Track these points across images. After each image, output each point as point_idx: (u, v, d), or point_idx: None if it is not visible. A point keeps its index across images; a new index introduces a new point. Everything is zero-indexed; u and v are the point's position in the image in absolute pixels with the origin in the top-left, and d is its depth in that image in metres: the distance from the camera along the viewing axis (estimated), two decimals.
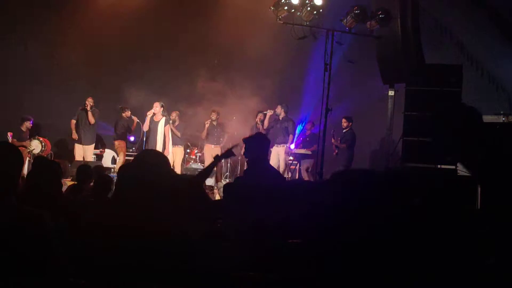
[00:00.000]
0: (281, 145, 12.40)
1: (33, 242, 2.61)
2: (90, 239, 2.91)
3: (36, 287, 2.53)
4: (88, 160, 12.59)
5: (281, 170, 12.05)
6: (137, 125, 13.39)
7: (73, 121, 12.91)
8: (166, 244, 2.74)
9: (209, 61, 14.72)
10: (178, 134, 13.06)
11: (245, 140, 6.04)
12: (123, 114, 13.36)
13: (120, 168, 3.60)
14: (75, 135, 12.84)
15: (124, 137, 13.38)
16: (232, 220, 4.11)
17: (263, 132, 12.42)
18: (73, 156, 12.91)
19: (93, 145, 13.18)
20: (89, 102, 12.83)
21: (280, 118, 12.53)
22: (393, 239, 2.34)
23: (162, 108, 12.66)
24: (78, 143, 12.88)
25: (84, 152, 12.81)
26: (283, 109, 12.49)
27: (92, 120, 12.81)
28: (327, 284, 2.43)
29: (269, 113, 12.55)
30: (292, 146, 12.79)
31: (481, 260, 2.74)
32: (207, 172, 5.63)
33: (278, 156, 12.30)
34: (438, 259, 2.56)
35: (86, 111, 12.78)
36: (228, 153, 5.71)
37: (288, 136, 12.42)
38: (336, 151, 12.34)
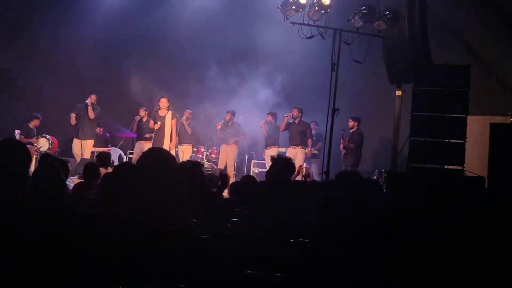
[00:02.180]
0: (297, 147, 12.60)
1: (38, 239, 2.61)
2: (96, 237, 2.92)
3: (41, 285, 2.54)
4: (86, 156, 12.59)
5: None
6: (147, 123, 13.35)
7: (73, 115, 12.83)
8: (173, 243, 2.74)
9: (218, 59, 14.72)
10: (189, 131, 13.14)
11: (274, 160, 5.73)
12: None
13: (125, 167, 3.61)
14: (73, 120, 12.78)
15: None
16: (240, 219, 4.11)
17: (266, 135, 12.90)
18: (72, 151, 12.90)
19: (92, 140, 13.08)
20: (91, 98, 12.81)
21: (296, 122, 12.68)
22: (397, 239, 2.34)
23: (168, 103, 12.73)
24: (76, 138, 12.87)
25: (83, 148, 12.79)
26: (300, 113, 12.65)
27: (92, 115, 12.76)
28: (332, 285, 2.43)
29: (288, 116, 12.66)
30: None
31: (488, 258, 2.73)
32: None
33: (294, 157, 12.46)
34: (444, 258, 2.55)
35: (86, 106, 12.78)
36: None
37: (306, 139, 12.64)
38: (344, 151, 12.31)
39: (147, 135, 12.97)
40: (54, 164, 4.23)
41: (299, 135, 12.60)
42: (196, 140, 13.84)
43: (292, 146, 12.68)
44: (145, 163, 3.03)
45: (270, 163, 12.67)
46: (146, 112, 13.22)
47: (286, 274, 2.75)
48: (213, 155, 14.03)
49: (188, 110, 13.40)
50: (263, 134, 13.04)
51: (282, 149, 13.19)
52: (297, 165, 12.35)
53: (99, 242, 2.86)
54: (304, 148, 12.64)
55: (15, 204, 2.68)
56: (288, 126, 12.75)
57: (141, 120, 13.10)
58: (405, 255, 2.31)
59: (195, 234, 2.91)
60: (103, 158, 9.07)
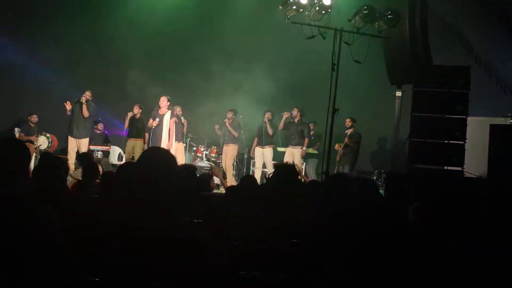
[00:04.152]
0: (296, 146, 12.67)
1: (38, 237, 2.61)
2: (94, 236, 2.92)
3: (40, 283, 2.54)
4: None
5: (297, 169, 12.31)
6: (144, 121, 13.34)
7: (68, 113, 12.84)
8: (171, 243, 2.74)
9: (218, 57, 14.73)
10: (185, 129, 13.20)
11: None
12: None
13: (124, 165, 3.62)
14: (69, 106, 12.70)
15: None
16: (236, 220, 4.11)
17: (271, 131, 12.79)
18: (66, 149, 12.84)
19: (87, 139, 13.00)
20: (86, 95, 12.71)
21: (296, 121, 12.75)
22: (395, 240, 2.33)
23: (169, 103, 12.69)
24: (71, 136, 12.80)
25: (78, 146, 12.72)
26: (299, 112, 12.67)
27: (86, 113, 12.68)
28: (330, 284, 2.43)
29: (285, 115, 12.71)
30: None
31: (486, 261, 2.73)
32: None
33: (292, 157, 12.52)
34: (441, 260, 2.55)
35: (81, 104, 12.73)
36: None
37: (304, 139, 12.65)
38: (342, 151, 12.32)
39: (146, 135, 12.96)
40: (56, 164, 4.23)
41: (298, 135, 12.64)
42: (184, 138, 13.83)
43: (290, 146, 12.74)
44: (145, 163, 3.03)
45: (260, 161, 12.71)
46: (141, 110, 13.22)
47: (286, 274, 2.75)
48: (213, 154, 14.04)
49: (178, 107, 13.23)
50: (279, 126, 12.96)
51: (281, 149, 13.22)
52: (299, 164, 12.45)
53: (98, 241, 2.86)
54: (302, 148, 12.68)
55: (14, 203, 2.67)
56: (288, 125, 12.78)
57: (133, 117, 13.11)
58: (404, 255, 2.31)
59: (194, 234, 2.91)
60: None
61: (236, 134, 13.12)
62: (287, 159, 12.62)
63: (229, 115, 13.21)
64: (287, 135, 12.90)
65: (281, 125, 12.80)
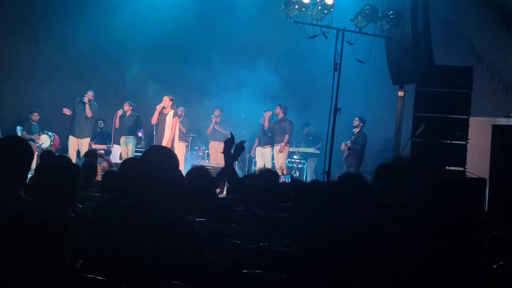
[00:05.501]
0: (278, 144, 12.59)
1: (39, 236, 2.61)
2: (95, 234, 2.92)
3: (43, 282, 2.54)
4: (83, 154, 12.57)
5: (278, 166, 12.39)
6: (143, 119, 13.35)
7: (66, 110, 12.85)
8: (172, 241, 2.74)
9: (217, 57, 14.72)
10: (184, 129, 13.21)
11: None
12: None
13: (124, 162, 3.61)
14: (68, 112, 12.76)
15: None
16: (241, 218, 4.11)
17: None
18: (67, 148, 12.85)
19: (88, 138, 12.98)
20: (88, 95, 12.70)
21: (279, 119, 12.67)
22: (397, 240, 2.33)
23: (171, 102, 12.69)
24: (72, 136, 12.78)
25: (79, 146, 12.69)
26: (281, 110, 12.62)
27: (89, 113, 12.66)
28: (331, 284, 2.43)
29: (268, 114, 12.64)
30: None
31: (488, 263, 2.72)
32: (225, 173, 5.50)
33: (277, 155, 12.49)
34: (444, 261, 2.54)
35: (84, 104, 12.70)
36: (238, 149, 5.53)
37: (285, 135, 12.57)
38: (348, 152, 12.25)
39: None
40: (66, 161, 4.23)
41: (280, 133, 12.58)
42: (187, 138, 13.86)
43: (275, 144, 12.65)
44: (147, 161, 3.03)
45: (260, 161, 12.70)
46: (131, 107, 13.26)
47: (287, 273, 2.75)
48: None
49: (181, 108, 13.34)
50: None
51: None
52: (280, 161, 12.43)
53: (99, 240, 2.86)
54: (288, 145, 12.62)
55: (17, 200, 2.67)
56: (272, 124, 12.74)
57: (123, 114, 13.13)
58: (405, 256, 2.31)
59: (196, 233, 2.91)
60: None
61: (224, 132, 13.22)
62: (275, 157, 12.57)
63: (217, 112, 13.28)
64: (274, 134, 12.76)
65: (265, 125, 12.73)
